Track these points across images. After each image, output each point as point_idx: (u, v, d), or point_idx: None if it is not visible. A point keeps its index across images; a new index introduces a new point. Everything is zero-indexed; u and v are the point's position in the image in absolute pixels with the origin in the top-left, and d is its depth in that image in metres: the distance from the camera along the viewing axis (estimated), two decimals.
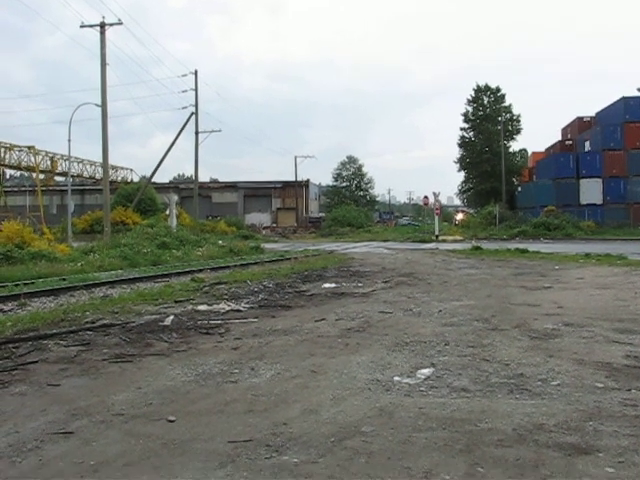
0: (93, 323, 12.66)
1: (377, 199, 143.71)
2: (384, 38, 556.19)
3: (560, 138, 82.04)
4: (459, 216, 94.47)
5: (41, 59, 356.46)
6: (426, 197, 69.13)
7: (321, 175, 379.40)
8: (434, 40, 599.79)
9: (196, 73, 61.34)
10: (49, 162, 62.49)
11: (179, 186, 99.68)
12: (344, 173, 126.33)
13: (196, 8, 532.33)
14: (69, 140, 47.02)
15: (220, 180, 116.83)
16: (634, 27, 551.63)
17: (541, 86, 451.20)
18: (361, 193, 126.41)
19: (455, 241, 53.01)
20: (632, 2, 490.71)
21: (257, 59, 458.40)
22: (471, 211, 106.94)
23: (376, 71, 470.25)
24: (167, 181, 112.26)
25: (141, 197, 59.76)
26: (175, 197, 55.84)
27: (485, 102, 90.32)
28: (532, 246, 37.68)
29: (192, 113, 60.51)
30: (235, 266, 27.43)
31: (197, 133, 62.03)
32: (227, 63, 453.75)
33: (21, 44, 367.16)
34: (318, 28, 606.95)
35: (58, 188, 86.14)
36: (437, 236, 55.74)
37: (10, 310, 15.28)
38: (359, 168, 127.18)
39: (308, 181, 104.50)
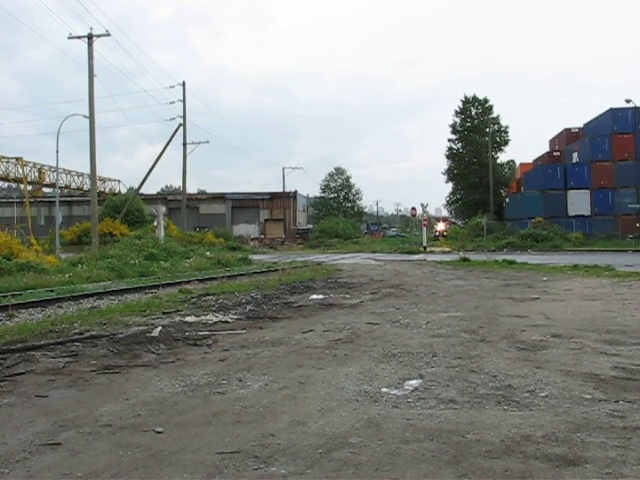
0: (81, 334, 12.63)
1: (365, 210, 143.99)
2: (369, 50, 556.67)
3: (548, 149, 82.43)
4: (440, 226, 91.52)
5: (27, 71, 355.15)
6: (414, 208, 68.96)
7: (309, 186, 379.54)
8: (419, 52, 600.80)
9: (184, 84, 61.45)
10: (37, 173, 62.26)
11: (167, 197, 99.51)
12: (332, 184, 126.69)
13: (180, 21, 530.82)
14: (57, 151, 46.94)
15: (208, 191, 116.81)
16: (619, 39, 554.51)
17: (528, 97, 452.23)
18: (349, 204, 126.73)
19: (443, 252, 53.01)
20: (617, 15, 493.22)
21: (243, 71, 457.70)
22: (455, 221, 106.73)
23: (362, 83, 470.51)
24: (155, 192, 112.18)
25: (129, 208, 59.55)
26: (163, 208, 55.69)
27: (473, 113, 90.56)
28: (520, 257, 37.71)
29: (180, 124, 60.51)
30: (223, 277, 27.40)
31: (185, 144, 62.03)
32: (213, 75, 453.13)
33: (6, 56, 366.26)
34: (303, 41, 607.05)
35: (46, 199, 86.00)
36: (425, 247, 55.66)
37: None
38: (347, 179, 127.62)
39: (296, 192, 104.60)
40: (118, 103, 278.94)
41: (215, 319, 14.78)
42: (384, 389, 7.93)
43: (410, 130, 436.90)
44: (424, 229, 58.86)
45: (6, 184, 67.09)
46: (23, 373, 9.31)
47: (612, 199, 62.76)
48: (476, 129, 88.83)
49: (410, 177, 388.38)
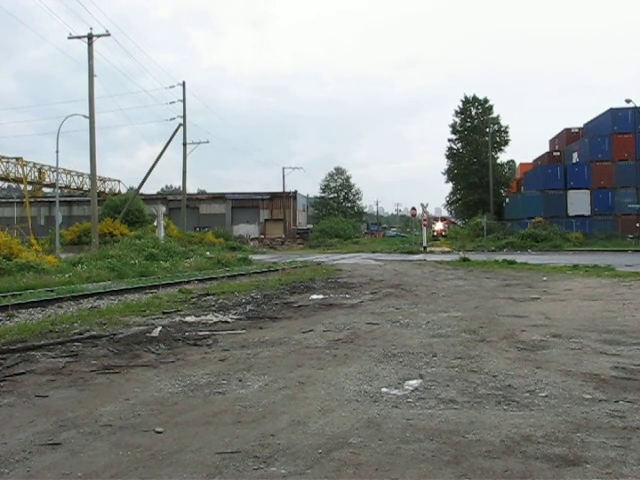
0: (81, 334, 12.63)
1: (365, 210, 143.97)
2: (369, 50, 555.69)
3: (548, 149, 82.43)
4: (438, 225, 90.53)
5: (27, 71, 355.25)
6: (414, 208, 68.89)
7: (309, 186, 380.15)
8: (419, 52, 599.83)
9: (184, 84, 61.57)
10: (37, 173, 62.25)
11: (167, 197, 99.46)
12: (332, 184, 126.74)
13: (180, 21, 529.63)
14: (57, 151, 46.85)
15: (208, 191, 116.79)
16: (619, 39, 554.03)
17: (528, 97, 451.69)
18: (349, 204, 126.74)
19: (443, 252, 52.99)
20: (617, 15, 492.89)
21: (243, 71, 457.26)
22: (455, 220, 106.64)
23: (362, 83, 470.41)
24: (155, 192, 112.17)
25: (129, 208, 59.53)
26: (163, 208, 55.68)
27: (473, 113, 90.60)
28: (520, 257, 37.70)
29: (180, 124, 60.57)
30: (223, 277, 27.38)
31: (185, 144, 62.09)
32: (213, 75, 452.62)
33: (6, 56, 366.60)
34: (303, 41, 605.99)
35: (46, 199, 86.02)
36: (425, 247, 55.61)
37: None
38: (347, 179, 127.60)
39: (296, 192, 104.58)
40: (118, 103, 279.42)
41: (215, 319, 14.78)
42: (384, 389, 7.93)
43: (410, 130, 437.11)
44: (424, 229, 58.84)
45: (6, 184, 67.08)
46: (23, 373, 9.32)
47: (612, 199, 62.77)
48: (476, 129, 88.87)
49: (410, 177, 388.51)
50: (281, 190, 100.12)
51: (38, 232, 59.78)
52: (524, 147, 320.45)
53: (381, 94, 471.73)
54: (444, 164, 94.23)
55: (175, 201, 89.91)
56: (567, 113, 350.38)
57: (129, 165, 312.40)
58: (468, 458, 5.52)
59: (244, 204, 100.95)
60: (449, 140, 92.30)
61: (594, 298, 17.63)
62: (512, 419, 6.62)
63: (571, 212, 63.98)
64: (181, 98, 61.39)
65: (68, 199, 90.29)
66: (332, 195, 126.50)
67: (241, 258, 40.22)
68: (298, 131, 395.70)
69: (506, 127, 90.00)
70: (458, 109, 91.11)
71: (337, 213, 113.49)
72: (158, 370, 9.44)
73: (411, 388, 7.96)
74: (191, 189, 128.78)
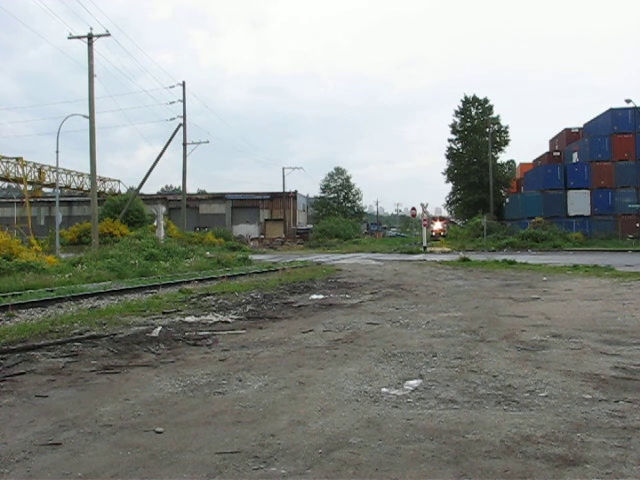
0: (81, 334, 12.62)
1: (365, 210, 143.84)
2: (369, 50, 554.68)
3: (548, 149, 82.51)
4: (437, 225, 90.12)
5: (26, 71, 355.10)
6: (414, 208, 68.82)
7: (309, 186, 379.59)
8: (419, 52, 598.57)
9: (184, 84, 61.65)
10: (37, 173, 62.25)
11: (167, 197, 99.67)
12: (332, 184, 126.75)
13: (179, 21, 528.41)
14: (57, 151, 46.98)
15: (208, 191, 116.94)
16: (619, 38, 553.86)
17: (528, 97, 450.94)
18: (349, 204, 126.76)
19: (443, 252, 52.96)
20: (617, 15, 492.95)
21: (242, 71, 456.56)
22: (455, 220, 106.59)
23: (361, 83, 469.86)
24: (155, 192, 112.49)
25: (129, 208, 59.62)
26: (163, 208, 55.65)
27: (473, 113, 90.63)
28: (520, 257, 37.67)
29: (180, 124, 60.63)
30: (223, 277, 27.32)
31: (185, 144, 62.12)
32: (212, 75, 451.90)
33: (5, 56, 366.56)
34: (302, 41, 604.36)
35: (46, 199, 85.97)
36: (425, 247, 55.58)
37: None
38: (347, 179, 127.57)
39: (296, 192, 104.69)
40: (118, 103, 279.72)
41: (215, 319, 14.77)
42: (384, 389, 7.93)
43: (410, 130, 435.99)
44: (424, 229, 58.78)
45: (6, 184, 67.07)
46: (23, 373, 9.31)
47: (612, 199, 62.84)
48: (476, 129, 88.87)
49: (410, 177, 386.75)
50: (281, 190, 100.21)
51: (38, 232, 59.73)
52: (524, 147, 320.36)
53: (381, 94, 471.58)
54: (444, 164, 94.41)
55: (175, 201, 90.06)
56: (567, 113, 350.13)
57: (129, 165, 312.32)
58: (468, 458, 5.52)
59: (244, 204, 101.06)
60: (449, 140, 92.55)
61: (594, 298, 17.61)
62: (512, 419, 6.62)
63: (571, 212, 64.04)
64: (181, 98, 61.56)
65: (68, 199, 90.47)
66: (332, 195, 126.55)
67: (241, 258, 40.21)
68: (297, 131, 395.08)
69: (506, 127, 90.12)
70: (458, 109, 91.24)
71: (337, 213, 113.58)
72: (158, 370, 9.44)
73: (411, 388, 7.95)
74: (191, 189, 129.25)
